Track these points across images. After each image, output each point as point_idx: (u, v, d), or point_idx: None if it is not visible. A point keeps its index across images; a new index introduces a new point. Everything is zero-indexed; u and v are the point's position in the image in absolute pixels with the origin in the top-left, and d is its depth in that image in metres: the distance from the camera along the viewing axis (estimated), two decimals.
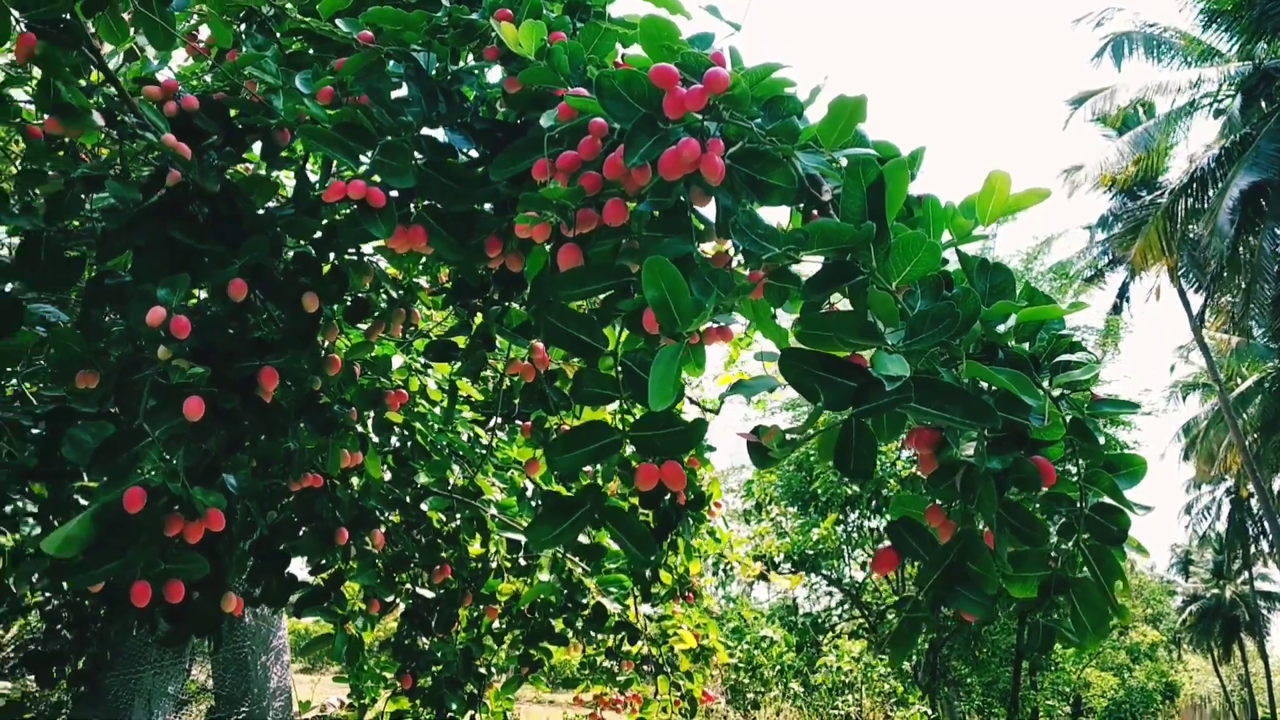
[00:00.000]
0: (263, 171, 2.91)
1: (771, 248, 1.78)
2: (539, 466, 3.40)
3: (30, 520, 4.68)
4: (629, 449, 2.14)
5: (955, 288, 1.86)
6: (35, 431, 3.97)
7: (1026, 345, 1.94)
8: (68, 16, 2.35)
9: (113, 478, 2.19)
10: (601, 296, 2.12)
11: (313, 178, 2.99)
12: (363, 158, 2.27)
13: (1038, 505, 1.97)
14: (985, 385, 1.81)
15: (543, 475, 3.62)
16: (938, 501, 1.98)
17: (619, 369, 2.03)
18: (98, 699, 5.71)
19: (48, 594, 5.38)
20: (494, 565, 3.92)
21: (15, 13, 2.35)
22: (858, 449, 1.77)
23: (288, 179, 3.73)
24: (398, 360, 3.60)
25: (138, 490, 2.14)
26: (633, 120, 1.90)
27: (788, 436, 1.80)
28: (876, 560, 1.92)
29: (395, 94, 2.48)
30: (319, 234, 2.74)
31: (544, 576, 3.91)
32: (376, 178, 2.26)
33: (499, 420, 3.47)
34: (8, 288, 2.81)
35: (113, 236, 2.49)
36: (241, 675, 6.24)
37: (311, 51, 2.73)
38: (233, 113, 2.70)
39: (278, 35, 2.83)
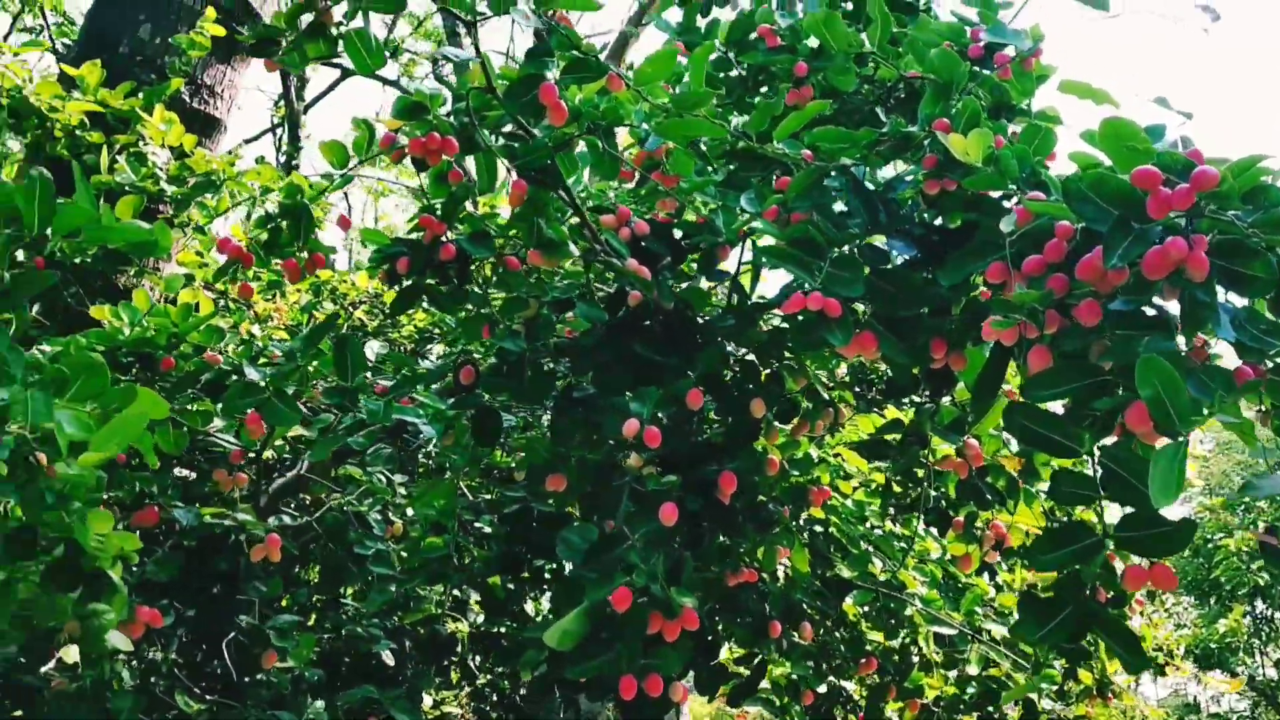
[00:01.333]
0: (702, 285, 3.11)
1: (1275, 342, 1.73)
2: (971, 562, 3.38)
3: (474, 608, 5.12)
4: None
5: None
6: (477, 525, 4.37)
7: None
8: (549, 162, 2.65)
9: (601, 577, 2.39)
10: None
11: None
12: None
13: None
14: None
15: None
16: None
17: (1096, 468, 2.01)
18: None
19: (483, 670, 5.85)
20: (916, 660, 3.91)
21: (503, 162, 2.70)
22: None
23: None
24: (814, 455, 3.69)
25: (625, 590, 2.31)
26: (1105, 221, 1.91)
27: None
28: None
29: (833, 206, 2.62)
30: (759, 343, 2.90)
31: (971, 669, 3.85)
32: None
33: (921, 516, 3.48)
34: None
35: (584, 353, 2.76)
36: None
37: (737, 171, 2.91)
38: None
39: (711, 162, 3.06)
